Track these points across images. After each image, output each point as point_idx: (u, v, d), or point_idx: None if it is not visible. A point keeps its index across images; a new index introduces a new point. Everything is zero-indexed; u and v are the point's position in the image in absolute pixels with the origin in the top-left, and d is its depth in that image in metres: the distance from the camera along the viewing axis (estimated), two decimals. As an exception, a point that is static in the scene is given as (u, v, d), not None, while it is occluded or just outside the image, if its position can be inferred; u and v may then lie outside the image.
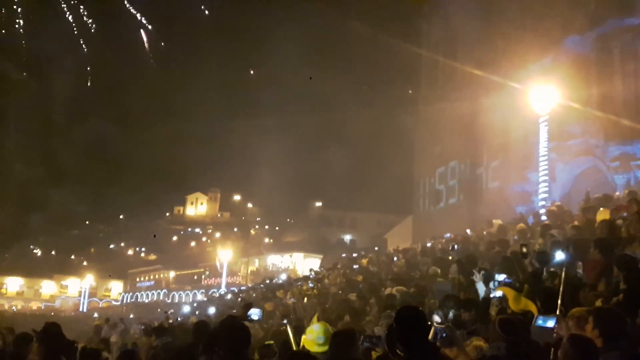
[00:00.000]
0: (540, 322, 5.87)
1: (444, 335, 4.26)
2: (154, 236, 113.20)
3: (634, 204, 11.49)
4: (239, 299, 28.65)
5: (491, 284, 8.81)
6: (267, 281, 34.68)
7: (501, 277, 8.14)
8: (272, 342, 7.54)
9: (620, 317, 5.15)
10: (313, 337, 5.91)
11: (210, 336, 7.23)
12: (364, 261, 22.55)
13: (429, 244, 23.31)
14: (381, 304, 10.98)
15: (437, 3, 40.12)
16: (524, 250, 8.36)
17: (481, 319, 7.51)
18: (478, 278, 9.39)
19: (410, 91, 42.80)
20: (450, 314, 7.93)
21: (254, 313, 8.99)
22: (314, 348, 5.84)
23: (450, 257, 14.38)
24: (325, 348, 5.79)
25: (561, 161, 26.44)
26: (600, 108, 23.92)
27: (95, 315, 54.88)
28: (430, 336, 4.18)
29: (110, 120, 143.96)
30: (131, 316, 44.42)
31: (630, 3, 24.22)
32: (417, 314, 4.15)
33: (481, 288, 9.25)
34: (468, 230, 21.05)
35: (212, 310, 25.02)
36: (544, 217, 17.15)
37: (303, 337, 6.16)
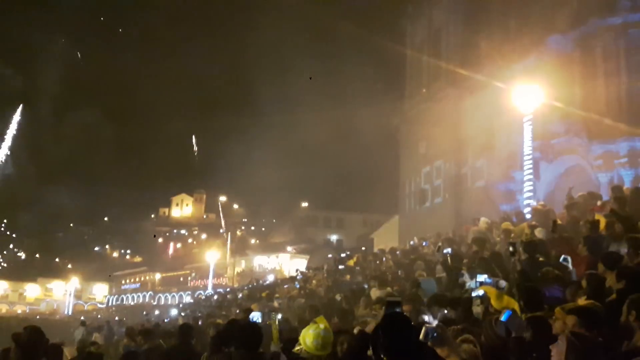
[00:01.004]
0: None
1: (435, 334, 4.24)
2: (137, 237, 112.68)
3: (613, 201, 11.62)
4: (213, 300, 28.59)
5: (471, 283, 8.88)
6: (254, 283, 34.67)
7: (482, 277, 8.21)
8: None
9: (602, 317, 5.22)
10: (311, 340, 5.90)
11: (217, 336, 7.32)
12: (351, 262, 22.59)
13: (412, 242, 23.43)
14: (368, 304, 11.00)
15: (421, 3, 40.25)
16: (512, 249, 8.40)
17: (467, 318, 7.54)
18: (467, 277, 9.46)
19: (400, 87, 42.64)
20: (439, 314, 7.97)
21: (256, 316, 9.16)
22: (313, 351, 5.86)
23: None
24: (326, 352, 5.85)
25: (545, 160, 26.63)
26: (583, 107, 24.12)
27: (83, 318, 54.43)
28: (421, 336, 4.15)
29: (95, 122, 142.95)
30: (116, 318, 44.18)
31: (611, 2, 24.43)
32: (404, 321, 4.06)
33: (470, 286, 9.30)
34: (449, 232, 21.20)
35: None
36: (528, 216, 17.27)
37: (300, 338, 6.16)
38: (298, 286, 22.74)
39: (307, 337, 5.91)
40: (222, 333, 7.49)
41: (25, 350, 5.81)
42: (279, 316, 8.06)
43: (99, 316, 56.82)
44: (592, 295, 6.50)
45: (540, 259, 8.86)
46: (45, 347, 6.17)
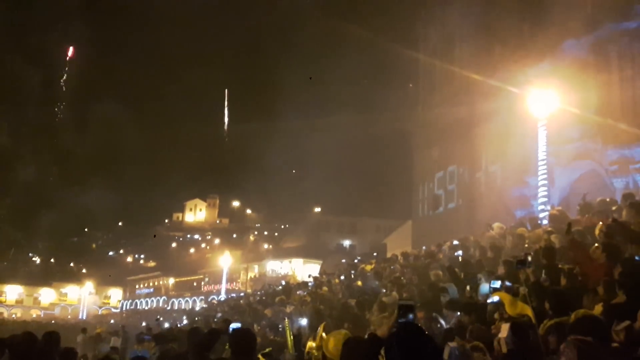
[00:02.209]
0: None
1: (457, 353, 4.16)
2: (154, 236, 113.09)
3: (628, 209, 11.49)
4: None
5: (484, 288, 8.82)
6: (268, 288, 34.68)
7: (497, 283, 8.17)
8: (270, 349, 7.55)
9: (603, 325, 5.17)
10: (333, 345, 5.84)
11: (199, 343, 7.23)
12: (368, 267, 22.50)
13: (424, 247, 23.35)
14: (382, 310, 10.96)
15: (435, 8, 40.19)
16: (529, 258, 8.31)
17: (481, 322, 7.51)
18: (483, 281, 9.41)
19: (410, 85, 42.37)
20: (453, 320, 7.94)
21: (235, 326, 9.10)
22: (336, 356, 5.81)
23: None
24: None
25: (559, 165, 26.46)
26: (598, 112, 23.95)
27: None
28: (445, 356, 4.06)
29: (109, 127, 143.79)
30: (128, 323, 44.31)
31: (626, 7, 24.28)
32: (418, 332, 4.01)
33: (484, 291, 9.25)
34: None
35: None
36: (544, 222, 17.15)
37: (313, 344, 6.13)
38: (308, 292, 22.73)
39: (330, 342, 5.89)
40: (201, 340, 7.34)
41: (17, 356, 5.83)
42: (304, 322, 7.95)
43: (111, 321, 57.02)
44: (607, 302, 6.43)
45: (560, 265, 8.76)
46: (59, 352, 6.20)
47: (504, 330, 5.54)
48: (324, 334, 7.76)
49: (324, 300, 18.12)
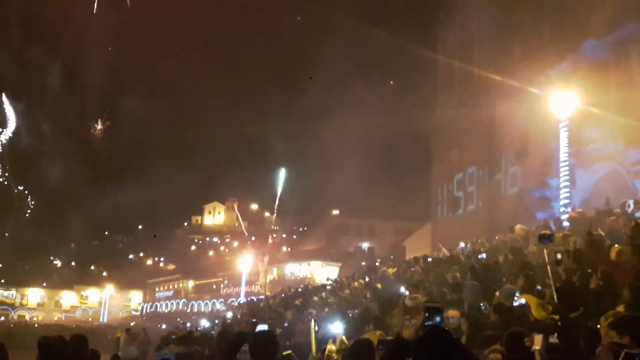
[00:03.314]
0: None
1: None
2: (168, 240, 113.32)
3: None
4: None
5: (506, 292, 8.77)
6: (287, 291, 34.74)
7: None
8: (290, 352, 7.56)
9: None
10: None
11: (229, 346, 7.29)
12: (390, 270, 22.44)
13: (445, 251, 23.23)
14: (403, 313, 10.95)
15: (453, 9, 40.08)
16: (559, 257, 8.25)
17: (507, 324, 7.48)
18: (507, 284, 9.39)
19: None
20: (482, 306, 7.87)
21: (262, 328, 9.19)
22: None
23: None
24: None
25: (581, 166, 26.26)
26: (619, 112, 23.75)
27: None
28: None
29: (127, 130, 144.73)
30: (147, 326, 44.60)
31: (647, 7, 24.08)
32: (447, 336, 3.98)
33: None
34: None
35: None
36: (565, 224, 17.02)
37: (332, 346, 6.15)
38: (329, 293, 22.73)
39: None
40: (229, 343, 7.40)
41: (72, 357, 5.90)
42: (340, 329, 7.90)
43: (132, 323, 57.36)
44: (632, 305, 6.38)
45: (589, 270, 8.67)
46: (87, 355, 6.27)
47: (538, 342, 5.47)
48: (344, 338, 7.78)
49: (346, 303, 18.12)
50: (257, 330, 9.09)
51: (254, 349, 5.73)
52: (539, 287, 8.22)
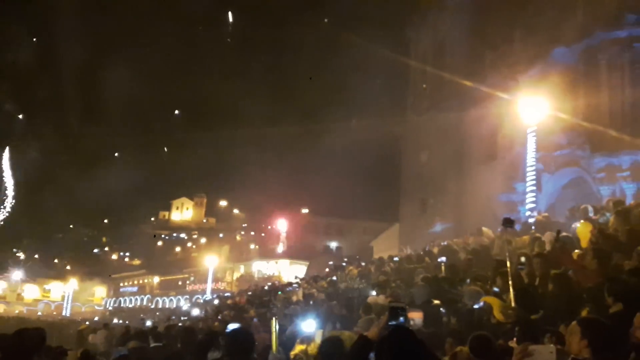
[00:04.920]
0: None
1: None
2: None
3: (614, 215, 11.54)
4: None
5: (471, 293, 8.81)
6: (254, 288, 34.61)
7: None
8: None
9: (607, 328, 5.11)
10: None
11: (198, 344, 7.20)
12: (355, 271, 22.48)
13: (409, 251, 23.34)
14: (367, 312, 10.93)
15: (426, 13, 40.28)
16: (522, 259, 8.32)
17: (467, 327, 7.49)
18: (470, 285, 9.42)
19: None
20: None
21: (232, 327, 9.12)
22: None
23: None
24: None
25: (547, 172, 26.59)
26: (586, 119, 24.10)
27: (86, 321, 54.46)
28: None
29: (96, 123, 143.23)
30: (114, 321, 44.05)
31: (617, 16, 24.43)
32: (410, 336, 3.96)
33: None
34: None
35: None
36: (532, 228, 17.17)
37: (302, 346, 6.08)
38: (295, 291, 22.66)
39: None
40: (201, 343, 7.31)
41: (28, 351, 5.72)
42: (313, 327, 7.80)
43: (95, 318, 56.59)
44: (595, 309, 6.42)
45: (556, 272, 8.73)
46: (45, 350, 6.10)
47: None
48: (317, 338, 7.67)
49: (312, 301, 18.06)
50: (231, 329, 9.02)
51: (231, 347, 5.67)
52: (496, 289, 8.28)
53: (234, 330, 6.19)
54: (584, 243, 9.85)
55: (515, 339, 6.00)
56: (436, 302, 9.01)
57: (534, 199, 20.94)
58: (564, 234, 11.57)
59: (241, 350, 5.53)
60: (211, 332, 7.83)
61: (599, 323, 5.17)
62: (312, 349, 6.12)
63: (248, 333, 5.97)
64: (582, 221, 12.47)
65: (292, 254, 74.39)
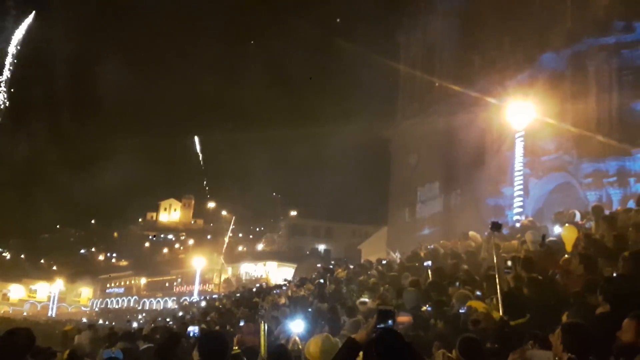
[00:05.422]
0: None
1: None
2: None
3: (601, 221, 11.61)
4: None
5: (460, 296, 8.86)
6: (242, 290, 34.56)
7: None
8: (238, 350, 7.46)
9: (588, 332, 5.16)
10: (312, 350, 5.84)
11: (159, 345, 7.12)
12: (343, 274, 22.50)
13: (397, 255, 23.37)
14: (352, 315, 10.95)
15: (416, 18, 40.43)
16: (509, 263, 8.36)
17: (453, 331, 7.53)
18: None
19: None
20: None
21: (193, 331, 9.26)
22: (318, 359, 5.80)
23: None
24: None
25: (535, 176, 26.75)
26: (574, 125, 24.27)
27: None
28: None
29: (83, 123, 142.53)
30: (100, 322, 43.89)
31: (605, 22, 24.63)
32: (398, 339, 3.99)
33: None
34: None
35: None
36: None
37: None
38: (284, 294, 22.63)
39: (310, 346, 5.86)
40: (163, 344, 7.25)
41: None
42: (300, 328, 7.85)
43: (84, 320, 56.33)
44: (578, 311, 6.47)
45: (538, 276, 8.77)
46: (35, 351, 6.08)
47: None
48: (297, 339, 7.73)
49: (300, 304, 18.06)
50: (190, 330, 9.10)
51: (204, 350, 5.62)
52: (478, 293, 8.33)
53: (207, 334, 6.15)
54: (569, 247, 9.94)
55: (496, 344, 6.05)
56: (425, 308, 9.06)
57: (521, 203, 21.06)
58: (550, 238, 11.67)
59: (215, 353, 5.49)
60: (174, 334, 7.81)
61: (580, 327, 5.23)
62: (290, 348, 6.14)
63: (221, 336, 5.91)
64: (566, 225, 12.55)
65: (281, 256, 74.37)
